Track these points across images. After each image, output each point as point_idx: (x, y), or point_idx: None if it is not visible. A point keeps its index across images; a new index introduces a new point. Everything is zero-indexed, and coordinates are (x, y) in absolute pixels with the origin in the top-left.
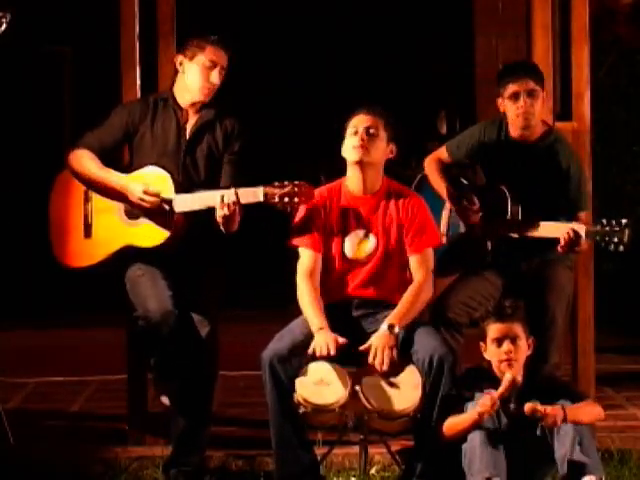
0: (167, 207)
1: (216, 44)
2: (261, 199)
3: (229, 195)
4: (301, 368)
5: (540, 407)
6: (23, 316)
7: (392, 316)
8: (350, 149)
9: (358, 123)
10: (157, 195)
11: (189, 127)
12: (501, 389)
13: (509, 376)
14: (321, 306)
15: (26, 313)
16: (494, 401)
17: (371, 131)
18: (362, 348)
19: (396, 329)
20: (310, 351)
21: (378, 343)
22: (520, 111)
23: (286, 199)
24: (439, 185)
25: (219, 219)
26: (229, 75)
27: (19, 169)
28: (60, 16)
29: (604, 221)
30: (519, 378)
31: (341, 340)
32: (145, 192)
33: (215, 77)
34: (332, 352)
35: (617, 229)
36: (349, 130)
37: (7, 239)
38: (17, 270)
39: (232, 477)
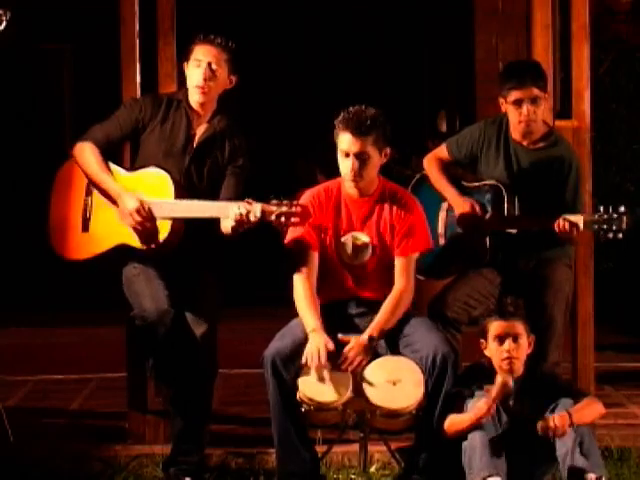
0: (153, 232)
1: (200, 42)
2: (258, 216)
3: (254, 210)
4: (303, 366)
5: (551, 422)
6: (23, 314)
7: (373, 327)
8: (344, 172)
9: (347, 148)
10: (148, 216)
11: (199, 133)
12: (494, 394)
13: (500, 380)
14: (316, 306)
15: (26, 311)
16: (489, 405)
17: (361, 157)
18: (341, 338)
19: (375, 341)
20: (303, 361)
21: (354, 353)
22: (523, 118)
23: (282, 218)
24: (441, 185)
25: (226, 229)
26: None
27: (19, 166)
28: (60, 14)
29: (602, 209)
30: (510, 382)
31: (330, 346)
32: (136, 211)
33: (199, 75)
34: (322, 360)
35: (615, 217)
36: (339, 149)
37: (7, 237)
38: (17, 268)
39: (232, 475)
